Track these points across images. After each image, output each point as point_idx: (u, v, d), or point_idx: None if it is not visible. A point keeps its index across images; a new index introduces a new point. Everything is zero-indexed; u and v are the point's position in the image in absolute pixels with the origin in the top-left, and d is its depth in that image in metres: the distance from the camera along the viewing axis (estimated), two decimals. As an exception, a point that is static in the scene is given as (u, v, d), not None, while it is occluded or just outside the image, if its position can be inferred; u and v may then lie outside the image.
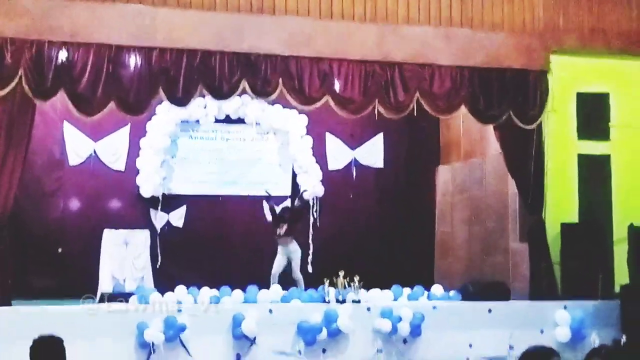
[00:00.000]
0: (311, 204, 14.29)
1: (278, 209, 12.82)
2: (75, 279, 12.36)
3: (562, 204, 11.93)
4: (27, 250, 12.40)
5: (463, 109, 11.79)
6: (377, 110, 11.33)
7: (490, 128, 12.38)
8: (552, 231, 11.74)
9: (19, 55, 9.93)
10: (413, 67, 11.34)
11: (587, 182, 12.12)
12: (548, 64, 11.78)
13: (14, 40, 9.99)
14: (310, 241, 14.09)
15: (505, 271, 12.40)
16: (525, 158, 11.85)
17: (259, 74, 10.78)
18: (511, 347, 9.65)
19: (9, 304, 9.76)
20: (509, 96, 11.61)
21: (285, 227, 12.40)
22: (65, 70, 10.13)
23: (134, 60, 10.41)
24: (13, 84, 9.96)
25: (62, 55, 10.14)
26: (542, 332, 10.45)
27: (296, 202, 13.21)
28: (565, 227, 11.70)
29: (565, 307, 10.73)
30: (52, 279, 12.35)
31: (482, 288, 11.25)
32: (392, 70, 11.28)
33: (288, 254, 12.35)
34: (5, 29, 9.99)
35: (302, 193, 13.53)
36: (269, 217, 13.26)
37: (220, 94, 11.03)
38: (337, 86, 11.15)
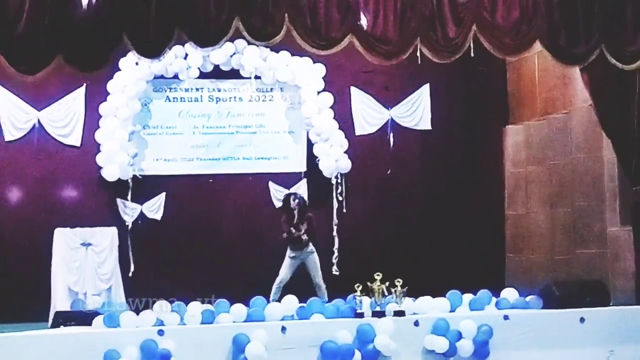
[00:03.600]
0: (334, 183, 14.32)
1: (291, 201, 12.90)
2: (19, 295, 12.48)
3: (679, 170, 11.85)
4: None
5: (538, 46, 11.69)
6: (420, 52, 11.26)
7: (576, 72, 12.28)
8: (665, 208, 11.68)
9: None
10: (467, -10, 11.28)
11: None
12: (654, -22, 11.70)
13: None
14: (334, 233, 14.15)
15: (603, 266, 12.34)
16: (625, 110, 11.77)
17: (257, 8, 10.73)
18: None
19: None
20: (601, 26, 11.48)
21: (305, 225, 12.47)
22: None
23: (87, -4, 10.41)
24: None
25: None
26: (655, 346, 10.41)
27: (292, 203, 13.04)
28: (685, 202, 11.63)
29: (686, 313, 10.68)
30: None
31: (572, 290, 11.19)
32: (439, -3, 11.22)
33: (304, 257, 12.46)
34: None
35: (292, 194, 13.45)
36: (279, 204, 13.38)
37: (206, 39, 10.98)
38: (364, 21, 11.09)
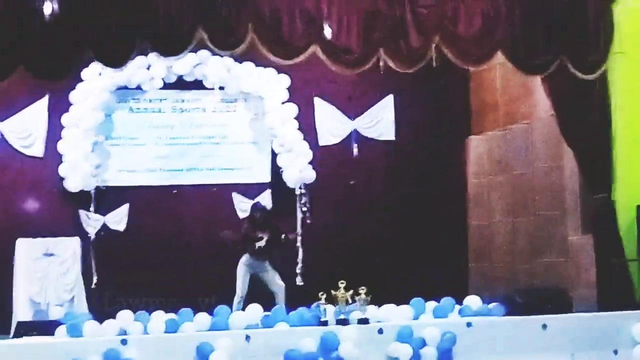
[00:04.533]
0: (298, 193, 14.36)
1: (254, 211, 12.93)
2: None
3: (637, 179, 11.95)
4: None
5: (499, 57, 11.81)
6: (384, 62, 11.34)
7: (537, 82, 12.41)
8: (626, 216, 11.77)
9: None
10: (430, 1, 11.36)
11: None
12: (613, -11, 11.86)
13: None
14: (298, 244, 14.15)
15: (565, 274, 12.45)
16: (585, 120, 11.89)
17: (220, 17, 10.76)
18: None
19: None
20: (561, 36, 11.62)
21: (266, 238, 12.49)
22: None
23: (48, 5, 10.36)
24: None
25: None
26: (615, 353, 10.48)
27: (257, 214, 13.08)
28: (643, 211, 11.77)
29: (646, 319, 10.79)
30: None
31: (534, 297, 11.28)
32: (402, 7, 11.28)
33: (259, 271, 12.50)
34: None
35: (255, 203, 13.51)
36: (243, 215, 13.39)
37: (169, 49, 11.02)
38: (327, 31, 11.15)
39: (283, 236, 12.71)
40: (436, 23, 11.38)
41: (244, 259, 12.55)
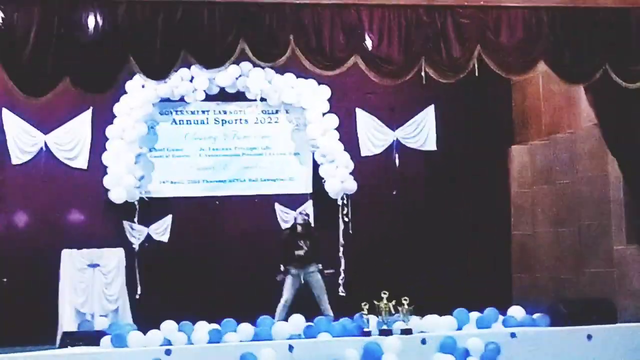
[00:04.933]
0: (340, 204, 14.38)
1: (297, 219, 13.03)
2: (27, 318, 12.51)
3: (682, 188, 11.91)
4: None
5: (542, 66, 11.76)
6: (425, 72, 11.34)
7: (580, 91, 12.36)
8: (673, 226, 11.73)
9: None
10: (471, 11, 11.34)
11: None
12: (657, -2, 11.77)
13: None
14: (340, 254, 14.18)
15: (610, 284, 12.35)
16: (630, 129, 11.85)
17: (262, 30, 10.83)
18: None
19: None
20: (604, 45, 11.55)
21: (305, 248, 12.55)
22: (1, 37, 10.23)
23: (92, 19, 10.48)
24: None
25: (-4, 15, 10.25)
26: (661, 363, 10.42)
27: (299, 218, 13.21)
28: (691, 220, 11.68)
29: (694, 330, 10.70)
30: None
31: (578, 308, 11.22)
32: (444, 17, 11.28)
33: (304, 278, 12.57)
34: None
35: (298, 214, 13.60)
36: (285, 225, 13.50)
37: (211, 61, 11.08)
38: (368, 42, 11.17)
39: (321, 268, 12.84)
40: (477, 33, 11.34)
41: (292, 270, 12.66)
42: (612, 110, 11.98)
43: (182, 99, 14.35)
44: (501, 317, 11.28)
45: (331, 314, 12.29)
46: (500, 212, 14.68)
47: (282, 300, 12.51)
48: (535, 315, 11.28)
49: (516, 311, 11.45)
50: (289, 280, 12.68)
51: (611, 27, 11.61)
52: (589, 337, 10.53)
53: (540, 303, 12.15)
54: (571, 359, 10.34)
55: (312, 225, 13.43)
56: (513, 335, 10.50)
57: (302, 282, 12.69)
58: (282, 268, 12.76)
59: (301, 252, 12.61)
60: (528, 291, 13.86)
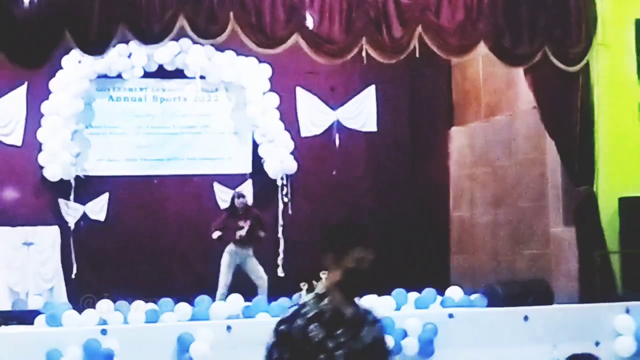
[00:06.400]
0: (280, 184, 14.34)
1: (235, 200, 12.91)
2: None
3: (619, 171, 12.04)
4: None
5: (482, 48, 11.82)
6: (366, 52, 11.33)
7: (520, 74, 12.44)
8: (608, 209, 11.86)
9: None
10: (412, -9, 11.38)
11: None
12: (595, -19, 11.90)
13: None
14: (280, 235, 14.15)
15: (546, 266, 12.50)
16: (568, 112, 11.95)
17: (202, 6, 10.74)
18: (556, 366, 9.74)
19: None
20: (544, 27, 11.66)
21: (247, 226, 12.46)
22: None
23: (28, -8, 10.33)
24: None
25: None
26: (597, 344, 10.50)
27: (237, 202, 13.02)
28: (625, 203, 11.82)
29: (628, 311, 10.81)
30: None
31: (515, 289, 11.32)
32: (385, -3, 11.30)
33: (242, 257, 12.47)
34: None
35: (236, 192, 13.43)
36: (224, 205, 13.39)
37: (150, 37, 11.00)
38: (309, 20, 11.14)
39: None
40: (418, 13, 11.39)
41: (229, 248, 12.54)
42: (551, 93, 12.10)
43: (119, 76, 14.17)
44: (439, 298, 11.34)
45: (265, 280, 12.29)
46: (439, 193, 14.77)
47: (220, 287, 12.33)
48: (473, 296, 11.36)
49: (454, 292, 11.52)
50: (225, 259, 12.53)
51: (551, 10, 11.72)
52: (526, 318, 10.61)
53: (478, 284, 12.26)
54: (508, 340, 10.41)
55: (250, 204, 13.31)
56: (451, 316, 10.55)
57: (239, 261, 12.56)
58: (215, 235, 12.59)
59: (242, 232, 12.48)
60: (466, 272, 13.96)
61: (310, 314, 4.12)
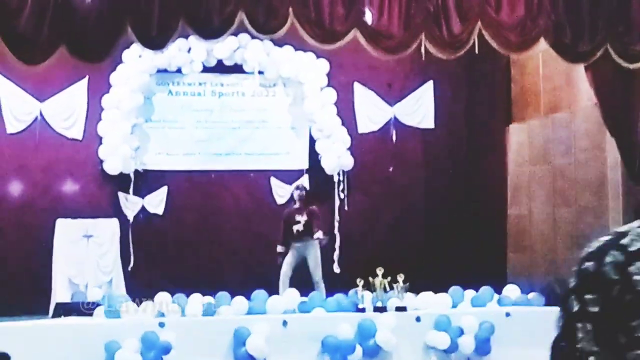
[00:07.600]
0: (336, 180, 14.34)
1: (294, 193, 12.93)
2: (20, 287, 12.50)
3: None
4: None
5: (542, 45, 11.70)
6: (424, 48, 11.28)
7: (580, 70, 12.30)
8: (670, 208, 11.69)
9: None
10: (472, -14, 11.30)
11: None
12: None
13: None
14: (336, 231, 14.15)
15: (605, 265, 12.36)
16: (629, 109, 11.82)
17: (262, 1, 10.77)
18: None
19: None
20: (606, 24, 11.51)
21: (303, 220, 12.44)
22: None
23: (90, -13, 10.43)
24: None
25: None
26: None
27: (296, 193, 13.01)
28: (688, 202, 11.65)
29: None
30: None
31: (573, 288, 11.21)
32: (444, -8, 11.24)
33: (303, 252, 12.44)
34: None
35: (295, 189, 13.29)
36: (281, 200, 13.42)
37: (209, 32, 11.03)
38: (368, 16, 11.12)
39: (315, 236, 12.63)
40: (478, 9, 11.30)
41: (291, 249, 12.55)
42: (612, 90, 11.95)
43: (179, 70, 14.28)
44: (496, 296, 11.26)
45: (323, 287, 12.22)
46: (496, 190, 14.66)
47: (282, 272, 12.35)
48: (530, 295, 11.27)
49: (511, 290, 11.43)
50: (289, 253, 12.53)
51: (613, 6, 11.57)
52: (584, 317, 10.51)
53: (535, 283, 12.16)
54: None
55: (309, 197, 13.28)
56: (508, 314, 10.50)
57: (300, 257, 12.54)
58: (278, 249, 12.58)
59: (299, 227, 12.49)
60: (523, 270, 13.85)
61: (634, 247, 2.84)
